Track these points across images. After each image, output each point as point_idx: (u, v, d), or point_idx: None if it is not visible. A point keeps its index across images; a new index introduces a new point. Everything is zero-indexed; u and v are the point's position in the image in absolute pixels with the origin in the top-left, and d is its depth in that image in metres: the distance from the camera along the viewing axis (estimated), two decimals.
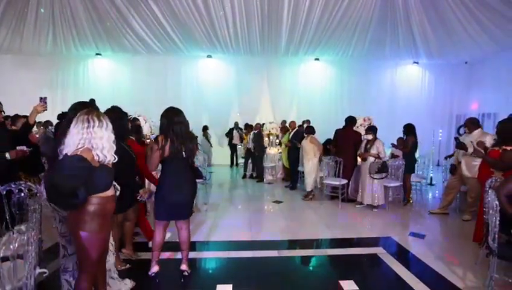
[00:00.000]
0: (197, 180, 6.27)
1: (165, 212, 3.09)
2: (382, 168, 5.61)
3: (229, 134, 11.35)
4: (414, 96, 12.27)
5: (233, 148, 11.45)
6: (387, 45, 10.17)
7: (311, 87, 12.13)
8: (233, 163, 11.59)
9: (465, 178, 5.08)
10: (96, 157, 2.06)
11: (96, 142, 2.04)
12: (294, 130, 7.94)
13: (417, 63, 12.02)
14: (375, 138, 5.82)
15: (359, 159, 6.51)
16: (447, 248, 4.16)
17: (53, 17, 9.07)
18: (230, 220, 5.41)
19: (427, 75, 12.36)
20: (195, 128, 11.16)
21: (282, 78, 12.06)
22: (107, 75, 11.73)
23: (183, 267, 3.30)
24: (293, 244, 4.39)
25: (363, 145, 5.96)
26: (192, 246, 4.15)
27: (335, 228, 4.93)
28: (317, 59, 11.88)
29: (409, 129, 6.16)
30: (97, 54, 11.42)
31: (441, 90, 12.28)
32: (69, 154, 2.01)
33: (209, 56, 11.65)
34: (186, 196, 3.10)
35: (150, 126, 7.38)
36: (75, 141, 2.03)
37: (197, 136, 3.42)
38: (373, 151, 5.73)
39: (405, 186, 6.20)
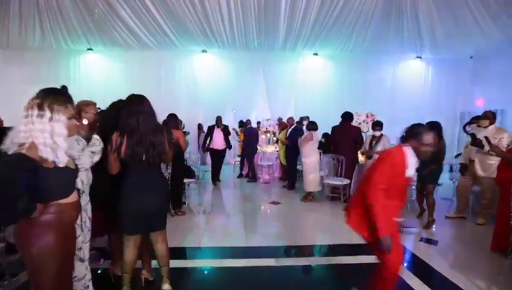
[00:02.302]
0: (189, 180, 5.96)
1: (131, 224, 2.52)
2: None
3: (209, 134, 7.97)
4: (416, 92, 11.86)
5: (215, 154, 7.89)
6: (390, 38, 9.72)
7: (309, 83, 11.68)
8: (215, 177, 7.94)
9: (479, 178, 4.69)
10: (45, 156, 1.64)
11: (36, 135, 1.61)
12: (292, 126, 7.52)
13: (420, 57, 11.60)
14: (381, 134, 5.42)
15: (360, 157, 6.12)
16: (464, 257, 3.76)
17: (38, 9, 8.62)
18: (223, 222, 5.01)
19: (431, 71, 11.95)
20: (190, 125, 10.93)
21: (280, 73, 11.63)
22: (99, 71, 11.30)
23: (166, 286, 2.76)
24: (292, 251, 3.98)
25: (367, 141, 5.55)
26: (182, 252, 3.76)
27: (338, 233, 4.50)
28: (316, 54, 11.46)
29: (435, 129, 5.21)
30: (89, 49, 10.98)
31: (444, 86, 11.86)
32: (9, 152, 1.59)
33: (204, 51, 11.22)
34: (154, 203, 2.50)
35: None
36: (15, 135, 1.61)
37: (170, 130, 2.80)
38: (379, 148, 5.32)
39: (424, 200, 4.90)
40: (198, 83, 11.53)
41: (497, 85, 10.52)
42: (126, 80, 11.23)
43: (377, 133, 5.44)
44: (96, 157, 2.39)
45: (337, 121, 8.37)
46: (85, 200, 2.37)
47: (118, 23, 9.27)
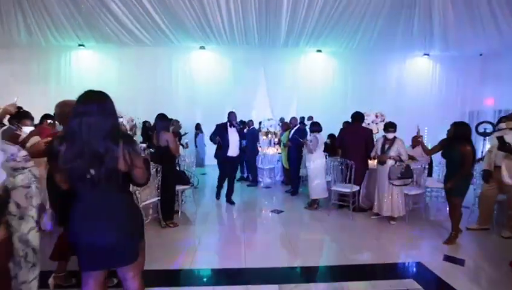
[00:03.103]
0: (183, 187, 5.44)
1: (85, 258, 1.91)
2: (406, 173, 4.69)
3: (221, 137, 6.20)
4: (423, 91, 11.37)
5: (227, 163, 6.06)
6: (399, 33, 9.18)
7: (312, 82, 11.18)
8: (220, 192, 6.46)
9: (506, 186, 4.17)
10: None
11: None
12: (296, 127, 7.00)
13: (428, 55, 11.10)
14: (394, 137, 4.90)
15: (371, 162, 5.61)
16: (498, 280, 3.22)
17: (19, 4, 8.08)
18: (220, 237, 4.49)
19: (438, 69, 11.45)
20: (188, 126, 10.43)
21: (281, 71, 11.09)
22: (91, 68, 10.79)
23: None
24: (298, 274, 3.46)
25: (379, 145, 5.03)
26: (169, 276, 3.24)
27: (350, 249, 3.99)
28: (319, 51, 10.95)
29: (462, 132, 4.05)
30: (80, 45, 10.47)
31: (452, 84, 11.36)
32: None
33: (202, 47, 10.71)
34: (107, 236, 1.82)
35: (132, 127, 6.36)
36: None
37: (131, 136, 2.17)
38: (392, 152, 4.81)
39: (452, 214, 4.20)
40: (196, 82, 11.02)
41: (508, 84, 10.01)
42: (120, 78, 10.75)
43: (390, 136, 4.92)
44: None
45: (340, 120, 7.92)
46: (27, 227, 1.86)
47: (109, 18, 8.74)
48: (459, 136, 4.00)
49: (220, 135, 5.82)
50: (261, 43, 10.02)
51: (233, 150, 5.87)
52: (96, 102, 1.75)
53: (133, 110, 7.38)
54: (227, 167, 6.03)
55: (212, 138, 6.00)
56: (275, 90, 11.13)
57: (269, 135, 9.20)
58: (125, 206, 1.93)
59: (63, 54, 10.61)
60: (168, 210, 4.65)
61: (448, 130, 4.28)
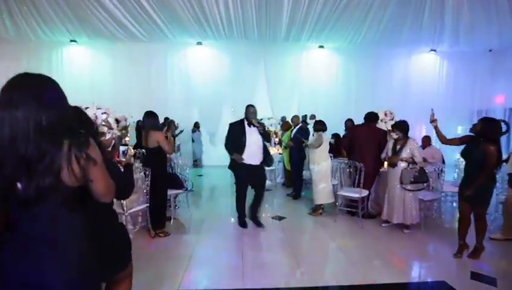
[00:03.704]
0: (176, 191, 4.99)
1: None
2: (419, 177, 4.23)
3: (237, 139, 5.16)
4: (429, 88, 10.91)
5: (246, 172, 4.59)
6: (406, 28, 8.69)
7: (314, 79, 10.74)
8: (243, 215, 4.84)
9: None
10: None
11: None
12: (298, 126, 6.55)
13: (435, 50, 10.64)
14: (407, 137, 4.45)
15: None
16: None
17: None
18: (215, 249, 4.02)
19: (445, 65, 11.01)
20: (185, 125, 9.98)
21: (282, 67, 10.66)
22: (84, 64, 10.39)
23: None
24: None
25: (389, 146, 4.58)
26: None
27: (363, 264, 3.54)
28: (321, 46, 10.50)
29: (489, 130, 3.42)
30: (72, 41, 10.04)
31: (460, 82, 10.89)
32: None
33: (199, 43, 10.27)
34: (48, 277, 1.22)
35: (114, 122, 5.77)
36: None
37: (85, 133, 1.31)
38: (405, 154, 4.36)
39: (476, 225, 3.61)
40: (193, 78, 10.58)
41: None
42: (113, 75, 10.37)
43: (395, 135, 4.47)
44: None
45: (343, 119, 7.47)
46: None
47: (101, 12, 8.26)
48: (485, 135, 3.41)
49: (234, 137, 4.52)
50: (261, 37, 9.55)
51: (253, 156, 4.44)
52: (27, 89, 1.22)
53: (127, 108, 6.93)
54: (249, 175, 4.50)
55: (229, 146, 4.60)
56: (276, 88, 10.69)
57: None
58: (82, 234, 1.33)
59: (55, 50, 10.20)
60: (159, 218, 4.20)
61: (473, 125, 3.66)
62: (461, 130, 9.77)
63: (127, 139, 7.72)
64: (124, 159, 2.37)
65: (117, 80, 10.19)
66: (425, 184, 4.30)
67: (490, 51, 10.53)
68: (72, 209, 1.30)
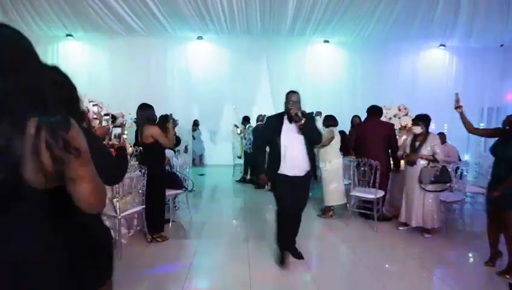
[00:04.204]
0: (176, 192, 4.63)
1: None
2: (441, 177, 3.85)
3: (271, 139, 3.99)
4: (438, 85, 10.47)
5: (287, 185, 3.29)
6: (417, 22, 8.30)
7: (318, 75, 10.33)
8: (285, 242, 3.57)
9: None
10: None
11: None
12: None
13: (444, 46, 10.25)
14: (427, 132, 4.08)
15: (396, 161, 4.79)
16: None
17: None
18: (218, 254, 3.66)
19: (455, 61, 10.60)
20: (184, 123, 9.61)
21: (285, 63, 10.27)
22: (81, 60, 9.98)
23: None
24: None
25: (407, 142, 4.21)
26: None
27: (380, 271, 3.18)
28: (326, 41, 10.12)
29: None
30: (68, 35, 9.68)
31: (470, 78, 10.46)
32: None
33: (199, 37, 9.88)
34: None
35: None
36: None
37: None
38: (425, 151, 3.99)
39: (507, 234, 3.10)
40: (193, 74, 10.19)
41: None
42: (111, 71, 10.00)
43: (418, 130, 4.10)
44: None
45: (349, 116, 7.12)
46: None
47: (98, 4, 7.89)
48: None
49: (270, 137, 3.27)
50: (264, 31, 9.19)
51: (296, 165, 3.19)
52: None
53: (125, 105, 6.59)
54: (291, 192, 3.22)
55: (258, 147, 3.67)
56: (279, 84, 10.23)
57: None
58: (54, 257, 0.94)
59: (50, 44, 9.82)
60: (156, 221, 3.83)
61: (506, 117, 3.18)
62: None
63: (124, 137, 7.45)
64: (116, 143, 2.02)
65: (115, 76, 9.85)
66: (447, 184, 3.93)
67: (502, 46, 10.13)
68: (39, 224, 0.91)
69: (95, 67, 9.94)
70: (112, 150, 1.98)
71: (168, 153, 5.14)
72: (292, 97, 3.17)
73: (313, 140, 3.26)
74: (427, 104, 9.56)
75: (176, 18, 8.61)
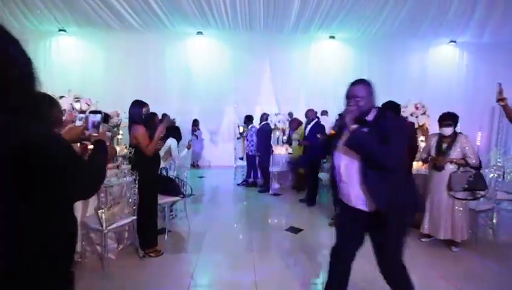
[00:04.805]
0: (172, 199, 4.16)
1: None
2: (475, 183, 3.39)
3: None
4: (448, 83, 10.07)
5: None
6: (430, 17, 7.84)
7: (323, 72, 9.86)
8: None
9: None
10: None
11: None
12: (314, 121, 5.72)
13: (454, 42, 9.80)
14: (455, 133, 3.63)
15: (419, 165, 4.33)
16: None
17: None
18: (220, 272, 3.20)
19: (465, 58, 10.17)
20: (184, 122, 9.16)
21: (289, 60, 9.84)
22: (75, 57, 9.57)
23: None
24: None
25: (433, 143, 3.75)
26: None
27: None
28: (332, 37, 9.66)
29: None
30: (61, 30, 9.22)
31: (481, 75, 10.01)
32: None
33: (199, 33, 9.43)
34: None
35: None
36: None
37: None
38: (455, 154, 3.53)
39: None
40: (193, 71, 9.76)
41: None
42: (107, 68, 9.56)
43: (447, 131, 3.64)
44: None
45: None
46: None
47: None
48: None
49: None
50: (267, 27, 8.75)
51: (347, 192, 2.13)
52: None
53: (120, 104, 6.14)
54: (347, 227, 2.31)
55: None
56: (282, 82, 9.88)
57: (277, 132, 7.97)
58: None
59: (42, 40, 9.35)
60: (148, 234, 3.36)
61: None
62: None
63: (119, 137, 6.97)
64: (95, 134, 1.55)
65: (111, 73, 9.42)
66: (482, 192, 3.46)
67: None
68: None
69: (89, 63, 9.52)
70: (87, 143, 1.54)
71: (172, 144, 4.69)
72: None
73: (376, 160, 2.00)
74: (437, 102, 9.15)
75: (176, 13, 8.20)
